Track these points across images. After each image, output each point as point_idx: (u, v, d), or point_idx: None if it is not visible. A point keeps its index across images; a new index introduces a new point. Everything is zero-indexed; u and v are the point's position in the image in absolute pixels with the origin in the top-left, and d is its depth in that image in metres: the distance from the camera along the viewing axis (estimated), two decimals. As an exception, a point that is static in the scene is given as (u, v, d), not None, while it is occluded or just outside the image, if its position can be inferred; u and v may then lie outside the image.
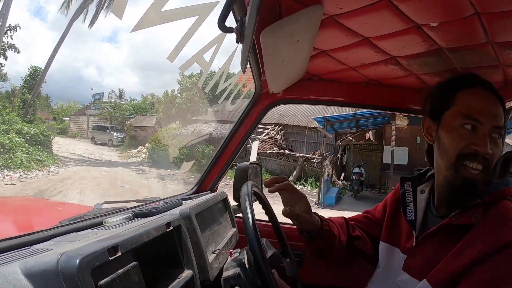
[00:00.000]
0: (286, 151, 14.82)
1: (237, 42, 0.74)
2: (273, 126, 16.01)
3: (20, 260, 0.60)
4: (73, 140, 25.46)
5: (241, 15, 0.81)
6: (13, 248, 0.70)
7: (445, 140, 0.97)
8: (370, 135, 12.59)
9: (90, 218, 0.99)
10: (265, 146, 14.95)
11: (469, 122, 0.92)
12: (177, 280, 0.91)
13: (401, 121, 10.33)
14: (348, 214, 1.31)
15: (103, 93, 33.80)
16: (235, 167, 1.56)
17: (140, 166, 15.56)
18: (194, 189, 1.63)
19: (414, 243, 1.02)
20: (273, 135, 15.66)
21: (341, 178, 14.44)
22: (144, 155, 17.84)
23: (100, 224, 0.95)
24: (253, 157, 13.68)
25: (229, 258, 1.16)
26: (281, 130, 15.90)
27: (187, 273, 0.96)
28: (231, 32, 0.74)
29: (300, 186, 13.04)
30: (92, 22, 19.75)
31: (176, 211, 1.08)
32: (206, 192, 1.59)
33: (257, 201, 1.15)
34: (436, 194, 1.04)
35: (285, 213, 1.13)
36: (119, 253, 0.68)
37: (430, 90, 1.09)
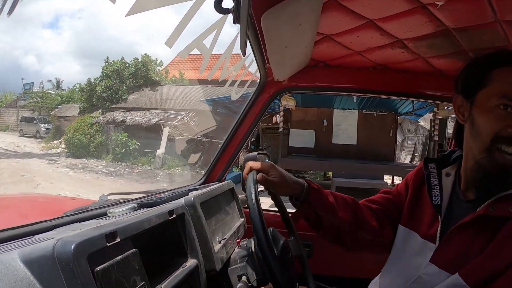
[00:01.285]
0: (197, 136, 14.79)
1: (234, 22, 0.74)
2: (187, 112, 15.91)
3: (20, 248, 0.60)
4: (1, 134, 24.60)
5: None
6: (15, 237, 0.71)
7: (479, 121, 0.90)
8: (277, 118, 12.32)
9: (95, 208, 0.99)
10: (175, 132, 15.03)
11: (507, 102, 0.85)
12: (181, 269, 0.91)
13: (287, 101, 9.91)
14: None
15: (33, 82, 31.45)
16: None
17: (56, 157, 15.64)
18: (201, 180, 1.64)
19: (439, 230, 0.97)
20: (186, 121, 15.65)
21: (256, 162, 14.30)
22: (64, 145, 17.66)
23: (104, 214, 0.95)
24: (163, 143, 14.02)
25: (237, 248, 1.16)
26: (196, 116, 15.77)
27: (191, 262, 0.96)
28: (228, 13, 0.74)
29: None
30: (10, 11, 19.73)
31: (181, 200, 1.07)
32: (214, 183, 1.59)
33: (265, 191, 1.15)
34: (463, 178, 0.99)
35: (261, 181, 1.03)
36: (118, 240, 0.68)
37: (464, 66, 0.99)
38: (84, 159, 15.03)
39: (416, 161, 13.78)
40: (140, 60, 19.60)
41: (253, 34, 1.08)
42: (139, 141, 15.34)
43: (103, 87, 18.13)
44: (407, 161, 15.09)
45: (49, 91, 27.76)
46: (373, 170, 9.94)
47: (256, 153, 1.54)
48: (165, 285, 0.81)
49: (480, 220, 0.89)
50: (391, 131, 11.98)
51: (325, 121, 11.61)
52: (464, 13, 0.97)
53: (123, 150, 15.04)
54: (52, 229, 0.80)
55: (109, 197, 1.20)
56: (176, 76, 21.85)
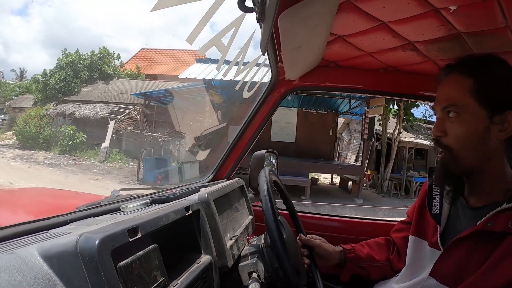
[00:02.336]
0: (144, 131, 15.15)
1: (258, 22, 0.74)
2: (136, 106, 16.08)
3: (37, 243, 0.59)
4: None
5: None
6: (30, 232, 0.69)
7: None
8: (219, 114, 12.33)
9: (108, 203, 0.98)
10: (121, 126, 15.29)
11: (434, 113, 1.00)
12: (196, 265, 0.90)
13: (213, 97, 10.07)
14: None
15: (-8, 72, 30.94)
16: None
17: (6, 148, 15.72)
18: (210, 177, 1.63)
19: (438, 239, 1.00)
20: (133, 115, 15.87)
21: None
22: (15, 137, 17.57)
23: (117, 209, 0.94)
24: (108, 137, 14.31)
25: (247, 245, 1.17)
26: (142, 111, 15.94)
27: (205, 258, 0.95)
28: (252, 12, 0.74)
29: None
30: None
31: (194, 196, 1.07)
32: (222, 180, 1.59)
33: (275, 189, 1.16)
34: None
35: (301, 238, 1.27)
36: (139, 235, 0.68)
37: None
38: (32, 151, 15.12)
39: (360, 161, 13.82)
40: (96, 52, 19.42)
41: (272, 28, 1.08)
42: (87, 134, 15.45)
43: (56, 78, 17.98)
44: (352, 160, 15.15)
45: (8, 81, 27.04)
46: (312, 168, 10.09)
47: (264, 151, 1.55)
48: (181, 281, 0.81)
49: (478, 235, 0.90)
50: (331, 130, 12.11)
51: (263, 118, 11.64)
52: (475, 18, 0.98)
53: (71, 142, 15.16)
54: (67, 224, 0.79)
55: (121, 192, 1.19)
56: (133, 70, 21.69)
